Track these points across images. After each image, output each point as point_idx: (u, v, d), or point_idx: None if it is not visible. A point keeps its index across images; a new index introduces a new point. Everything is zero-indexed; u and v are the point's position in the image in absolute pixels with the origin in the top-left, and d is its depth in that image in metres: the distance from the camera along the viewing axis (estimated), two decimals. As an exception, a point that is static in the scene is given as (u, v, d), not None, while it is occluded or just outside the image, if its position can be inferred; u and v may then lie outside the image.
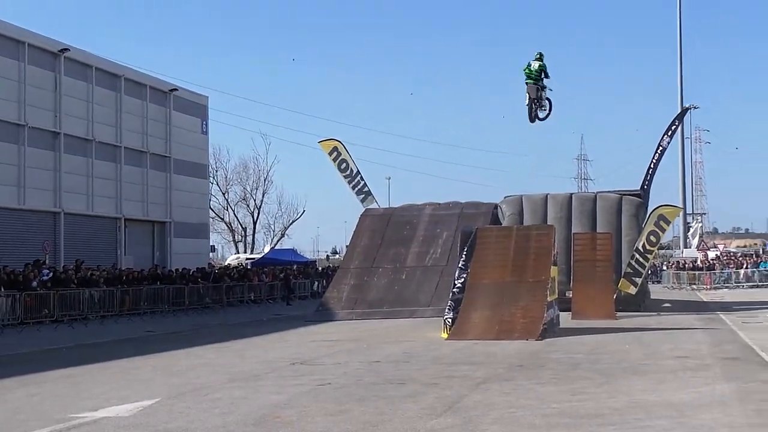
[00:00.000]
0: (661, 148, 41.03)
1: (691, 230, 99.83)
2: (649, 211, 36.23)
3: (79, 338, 27.11)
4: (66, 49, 45.48)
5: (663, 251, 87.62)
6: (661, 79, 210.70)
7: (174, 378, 16.51)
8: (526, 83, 34.32)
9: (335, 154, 44.56)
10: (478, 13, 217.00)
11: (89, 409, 12.92)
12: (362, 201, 43.64)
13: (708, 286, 59.76)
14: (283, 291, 50.81)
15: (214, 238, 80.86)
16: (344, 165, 44.21)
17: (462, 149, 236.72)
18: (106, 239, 49.11)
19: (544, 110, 34.94)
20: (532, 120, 34.68)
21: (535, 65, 34.06)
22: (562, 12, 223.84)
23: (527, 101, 34.44)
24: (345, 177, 44.29)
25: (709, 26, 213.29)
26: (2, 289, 32.95)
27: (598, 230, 35.60)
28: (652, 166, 40.69)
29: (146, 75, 53.85)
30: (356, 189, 43.98)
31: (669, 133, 41.69)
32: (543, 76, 34.26)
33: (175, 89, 55.50)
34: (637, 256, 34.29)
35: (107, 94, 49.08)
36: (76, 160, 46.41)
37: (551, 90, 34.84)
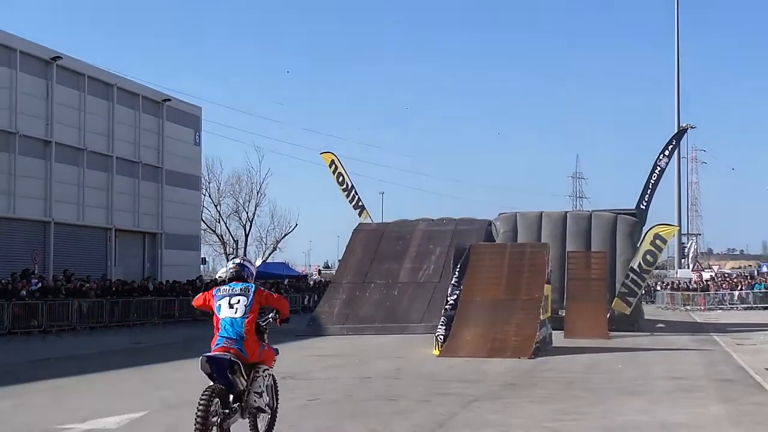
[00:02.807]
0: (658, 168, 40.76)
1: (686, 250, 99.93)
2: (644, 231, 36.08)
3: (68, 349, 26.92)
4: (58, 57, 45.23)
5: (657, 271, 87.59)
6: (658, 98, 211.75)
7: (163, 390, 16.31)
8: None
9: (333, 167, 45.19)
10: (474, 31, 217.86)
11: (77, 420, 12.77)
12: (359, 215, 43.92)
13: (702, 307, 59.63)
14: (274, 305, 50.54)
15: (205, 251, 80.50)
16: (341, 178, 44.97)
17: (456, 166, 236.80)
18: (97, 250, 48.81)
19: None
20: None
21: None
22: (556, 30, 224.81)
23: None
24: (342, 190, 44.83)
25: (708, 47, 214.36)
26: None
27: (592, 249, 35.50)
28: (650, 186, 40.44)
29: (139, 84, 53.62)
30: (352, 203, 44.47)
31: (666, 153, 41.47)
32: None
33: (168, 99, 55.28)
34: (633, 275, 34.10)
35: (100, 103, 48.83)
36: (68, 169, 46.13)
37: None
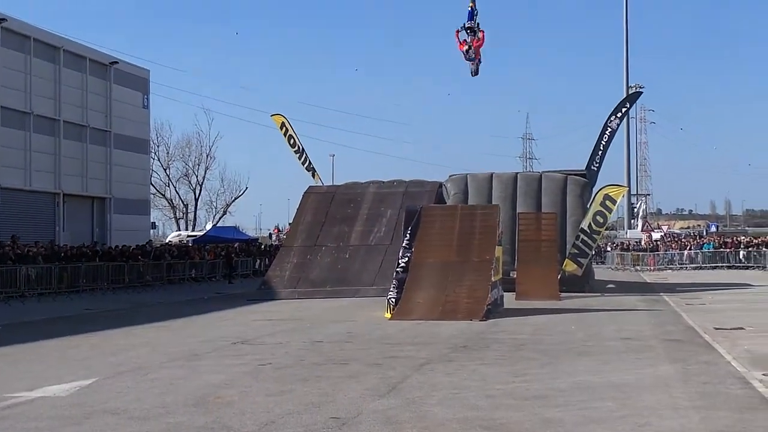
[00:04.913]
0: (609, 129, 41.01)
1: (636, 211, 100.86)
2: (594, 192, 36.26)
3: (16, 316, 26.54)
4: (3, 19, 44.45)
5: (607, 232, 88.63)
6: (607, 58, 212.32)
7: (112, 357, 16.19)
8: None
9: (284, 129, 45.25)
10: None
11: (25, 388, 12.61)
12: (312, 176, 44.02)
13: (652, 268, 60.17)
14: (224, 269, 50.34)
15: (154, 215, 80.00)
16: (292, 141, 45.09)
17: (407, 127, 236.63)
18: (44, 215, 48.31)
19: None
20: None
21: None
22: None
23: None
24: (294, 152, 44.88)
25: (656, 5, 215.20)
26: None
27: (543, 210, 35.57)
28: (601, 147, 40.65)
29: (86, 47, 52.94)
30: (304, 165, 44.60)
31: (619, 115, 41.75)
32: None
33: (116, 62, 54.66)
34: (583, 236, 34.22)
35: (46, 66, 48.18)
36: (14, 133, 45.51)
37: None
